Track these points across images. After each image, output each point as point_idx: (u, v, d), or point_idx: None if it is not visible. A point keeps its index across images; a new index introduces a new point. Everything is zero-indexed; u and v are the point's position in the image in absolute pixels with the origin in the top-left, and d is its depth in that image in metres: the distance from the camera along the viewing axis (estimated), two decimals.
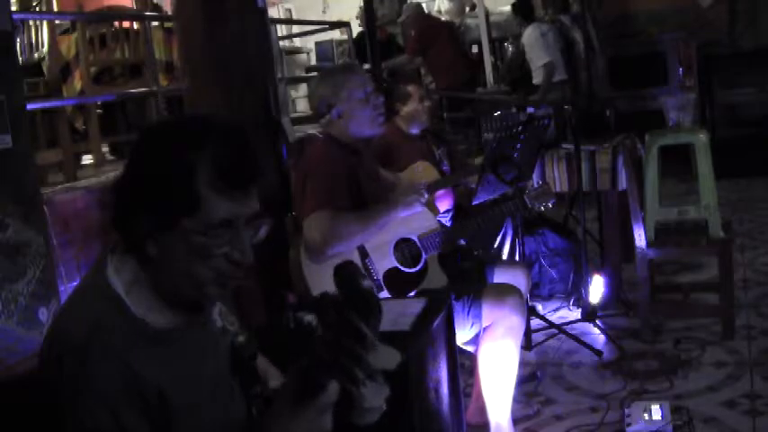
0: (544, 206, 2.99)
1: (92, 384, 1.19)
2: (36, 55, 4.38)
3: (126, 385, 1.21)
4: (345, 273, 1.21)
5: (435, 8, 9.08)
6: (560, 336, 3.69)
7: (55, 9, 4.37)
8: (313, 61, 8.26)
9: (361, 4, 6.36)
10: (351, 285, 1.19)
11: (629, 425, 2.73)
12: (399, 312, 2.20)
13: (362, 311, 1.17)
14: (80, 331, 1.22)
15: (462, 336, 2.61)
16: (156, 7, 5.16)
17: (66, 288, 2.52)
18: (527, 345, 3.56)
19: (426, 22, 7.51)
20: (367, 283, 1.19)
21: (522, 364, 3.11)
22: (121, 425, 1.19)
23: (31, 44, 4.40)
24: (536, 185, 3.05)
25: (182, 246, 1.25)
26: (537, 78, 6.82)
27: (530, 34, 6.81)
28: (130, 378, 1.21)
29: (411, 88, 3.84)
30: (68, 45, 4.38)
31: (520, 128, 3.08)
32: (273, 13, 8.48)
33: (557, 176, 3.98)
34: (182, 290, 1.30)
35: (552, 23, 7.11)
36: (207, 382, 1.36)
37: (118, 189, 1.30)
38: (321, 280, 2.55)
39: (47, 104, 4.07)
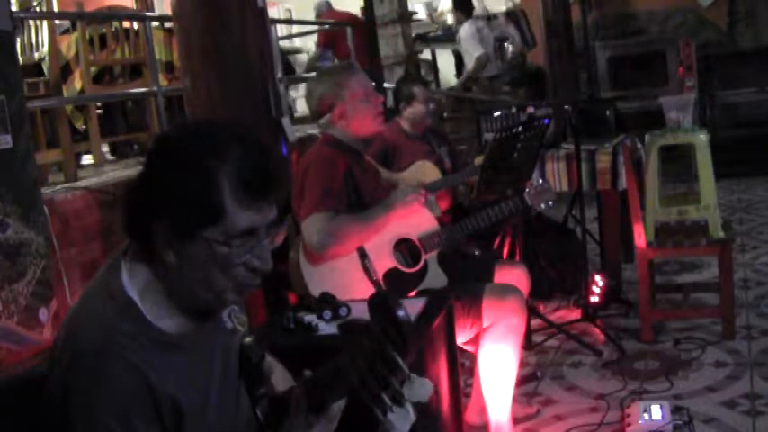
0: (545, 205, 2.98)
1: (104, 390, 1.18)
2: (36, 55, 4.37)
3: (139, 392, 1.20)
4: (382, 303, 1.20)
5: (439, 8, 9.12)
6: (560, 336, 3.69)
7: (55, 9, 4.36)
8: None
9: (362, 4, 6.38)
10: (387, 316, 1.18)
11: (629, 425, 2.73)
12: None
13: (399, 343, 1.17)
14: (94, 335, 1.21)
15: (462, 336, 2.61)
16: None
17: (66, 288, 2.52)
18: (527, 345, 3.56)
19: (330, 14, 7.78)
20: (404, 314, 1.18)
21: (522, 364, 3.12)
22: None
23: (31, 44, 4.39)
24: (536, 185, 3.04)
25: (201, 255, 1.24)
26: (469, 67, 7.33)
27: (466, 30, 7.22)
28: (143, 385, 1.20)
29: (416, 89, 3.86)
30: (68, 45, 4.38)
31: (520, 128, 3.08)
32: (273, 13, 8.48)
33: (557, 176, 3.98)
34: (198, 297, 1.29)
35: (488, 20, 7.48)
36: (215, 385, 1.36)
37: (134, 196, 1.28)
38: (320, 281, 2.55)
39: (47, 104, 4.08)
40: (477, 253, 3.40)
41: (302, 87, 7.70)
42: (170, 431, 1.24)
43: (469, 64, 7.32)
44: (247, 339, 1.48)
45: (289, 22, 8.20)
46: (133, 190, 1.29)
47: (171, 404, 1.24)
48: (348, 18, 7.66)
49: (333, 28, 7.39)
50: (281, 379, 1.59)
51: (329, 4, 7.99)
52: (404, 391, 1.18)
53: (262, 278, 1.31)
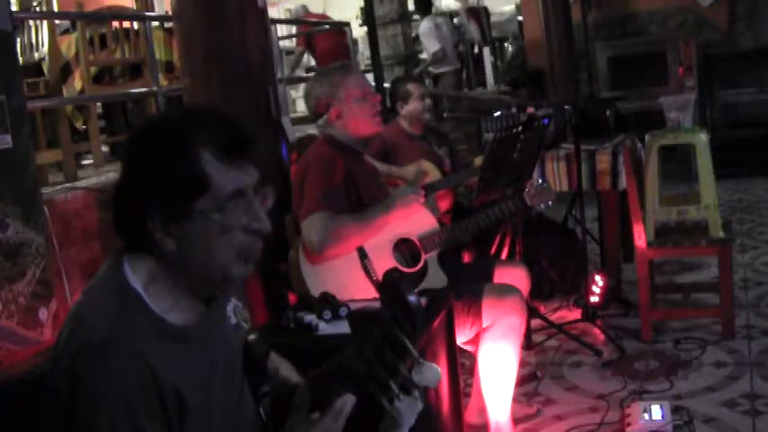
0: (544, 205, 2.99)
1: (110, 379, 1.18)
2: (36, 55, 4.38)
3: (145, 385, 1.20)
4: (392, 286, 1.20)
5: (443, 5, 9.19)
6: (560, 336, 3.69)
7: (55, 9, 4.37)
8: (313, 61, 8.28)
9: (362, 4, 6.39)
10: (398, 300, 1.17)
11: (629, 425, 2.73)
12: None
13: (408, 328, 1.16)
14: (99, 326, 1.22)
15: (462, 336, 2.61)
16: None
17: (66, 288, 2.52)
18: (527, 345, 3.56)
19: (308, 17, 8.09)
20: (414, 298, 1.17)
21: (522, 364, 3.12)
22: (138, 426, 1.19)
23: (31, 44, 4.39)
24: (536, 185, 3.05)
25: (199, 230, 1.26)
26: (429, 61, 7.81)
27: (424, 26, 7.62)
28: (150, 378, 1.21)
29: (411, 86, 3.86)
30: (68, 45, 4.38)
31: (520, 128, 3.08)
32: (273, 13, 8.50)
33: (557, 176, 3.98)
34: (203, 278, 1.30)
35: (449, 17, 7.93)
36: (219, 380, 1.36)
37: (121, 195, 1.30)
38: (320, 281, 2.55)
39: (47, 104, 4.08)
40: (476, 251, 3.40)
41: (303, 87, 7.74)
42: (174, 423, 1.24)
43: (428, 57, 7.73)
44: (252, 337, 1.48)
45: (289, 21, 8.20)
46: (119, 190, 1.31)
47: (175, 395, 1.24)
48: (325, 18, 7.92)
49: (310, 30, 7.64)
50: (287, 377, 1.59)
51: (306, 8, 8.31)
52: (413, 376, 1.17)
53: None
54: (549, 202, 2.99)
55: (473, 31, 8.14)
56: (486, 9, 8.56)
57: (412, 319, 1.17)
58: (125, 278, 1.28)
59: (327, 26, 7.60)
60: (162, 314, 1.28)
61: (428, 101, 3.89)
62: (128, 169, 1.31)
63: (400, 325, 1.16)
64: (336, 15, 9.24)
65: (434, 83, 7.70)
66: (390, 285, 1.20)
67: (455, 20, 8.43)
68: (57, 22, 4.45)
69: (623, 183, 3.83)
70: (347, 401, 1.23)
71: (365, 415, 1.22)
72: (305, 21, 8.11)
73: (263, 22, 3.02)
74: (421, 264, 2.71)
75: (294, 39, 8.44)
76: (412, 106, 3.85)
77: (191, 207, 1.25)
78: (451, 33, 7.76)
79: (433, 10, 8.05)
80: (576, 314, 3.93)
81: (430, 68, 7.71)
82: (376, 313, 1.20)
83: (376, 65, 5.92)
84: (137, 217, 1.27)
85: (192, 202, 1.25)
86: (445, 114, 7.15)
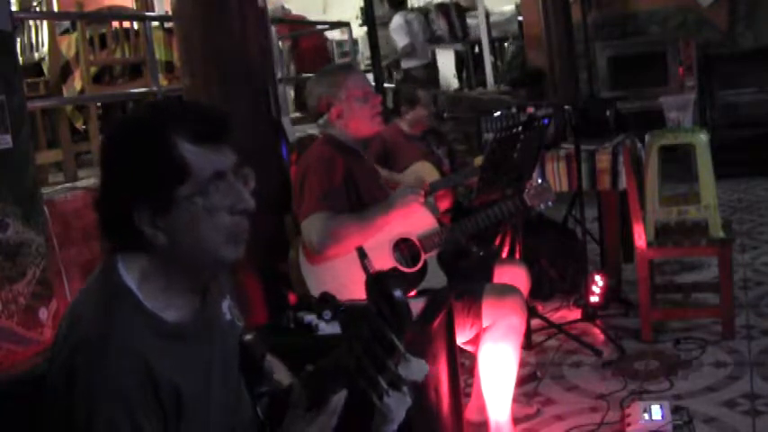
0: (544, 205, 2.98)
1: (110, 382, 1.19)
2: (36, 55, 4.38)
3: (143, 384, 1.21)
4: (378, 283, 1.20)
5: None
6: (560, 336, 3.69)
7: (55, 9, 4.37)
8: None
9: (362, 4, 6.40)
10: (384, 296, 1.18)
11: (629, 425, 2.73)
12: None
13: (394, 323, 1.17)
14: (95, 324, 1.23)
15: (462, 336, 2.61)
16: None
17: (66, 288, 2.52)
18: (527, 345, 3.56)
19: (288, 17, 8.20)
20: (399, 294, 1.18)
21: (522, 364, 3.12)
22: (137, 424, 1.19)
23: (31, 44, 4.40)
24: (536, 185, 3.05)
25: (186, 217, 1.27)
26: (397, 55, 8.00)
27: (395, 21, 7.75)
28: (147, 376, 1.21)
29: (420, 93, 3.87)
30: (68, 45, 4.39)
31: (520, 128, 3.08)
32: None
33: (557, 176, 3.98)
34: (196, 267, 1.31)
35: (419, 12, 8.04)
36: (216, 378, 1.36)
37: (106, 194, 1.32)
38: (320, 281, 2.55)
39: (47, 104, 4.08)
40: (474, 249, 3.40)
41: None
42: (171, 420, 1.24)
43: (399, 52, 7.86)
44: (248, 337, 1.48)
45: (288, 21, 8.19)
46: (103, 191, 1.33)
47: (172, 392, 1.24)
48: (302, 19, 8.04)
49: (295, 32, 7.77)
50: (283, 379, 1.59)
51: (284, 8, 8.39)
52: (400, 371, 1.17)
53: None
54: (549, 202, 2.99)
55: (442, 27, 8.22)
56: (457, 5, 8.62)
57: (397, 314, 1.17)
58: (119, 277, 1.28)
59: (328, 26, 7.61)
60: (157, 312, 1.28)
61: (433, 108, 3.90)
62: (108, 170, 1.33)
63: (387, 320, 1.17)
64: (336, 15, 9.24)
65: (404, 77, 7.85)
66: (376, 281, 1.21)
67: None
68: (56, 22, 4.45)
69: (623, 183, 3.83)
70: (342, 398, 1.24)
71: (358, 412, 1.22)
72: (305, 21, 8.11)
73: (263, 22, 3.02)
74: (421, 264, 2.71)
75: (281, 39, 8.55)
76: (418, 112, 3.86)
77: (175, 195, 1.26)
78: (423, 29, 7.86)
79: (413, 4, 8.13)
80: (576, 314, 3.93)
81: (401, 63, 7.81)
82: (364, 309, 1.21)
83: (376, 65, 5.92)
84: (124, 215, 1.28)
85: (175, 191, 1.26)
86: (445, 114, 7.16)
